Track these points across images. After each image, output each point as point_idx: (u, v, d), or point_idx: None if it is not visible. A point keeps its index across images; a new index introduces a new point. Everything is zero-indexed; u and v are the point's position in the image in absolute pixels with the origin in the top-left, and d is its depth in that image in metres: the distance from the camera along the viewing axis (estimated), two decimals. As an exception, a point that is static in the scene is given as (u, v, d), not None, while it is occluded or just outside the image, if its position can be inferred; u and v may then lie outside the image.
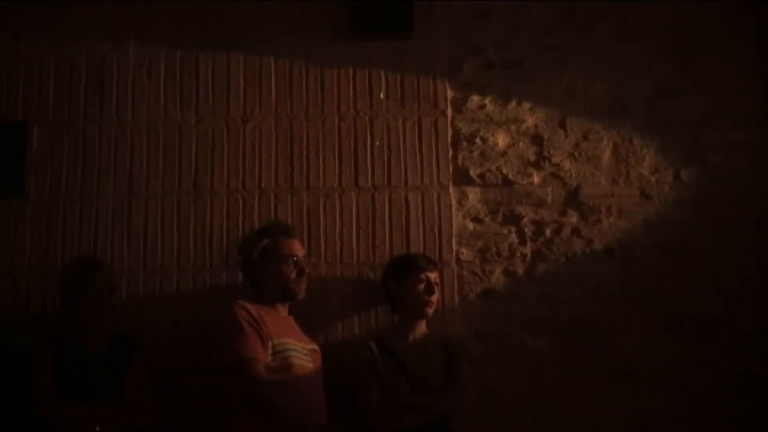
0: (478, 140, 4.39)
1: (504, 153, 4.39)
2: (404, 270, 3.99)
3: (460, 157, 4.37)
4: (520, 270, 4.28)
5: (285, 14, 4.48)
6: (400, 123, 4.37)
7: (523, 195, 4.35)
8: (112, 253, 4.24)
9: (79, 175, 4.34)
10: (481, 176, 4.36)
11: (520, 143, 4.41)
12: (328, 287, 4.20)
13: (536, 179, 4.37)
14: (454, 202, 4.31)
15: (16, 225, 4.28)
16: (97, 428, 3.59)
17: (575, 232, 4.31)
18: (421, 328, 3.99)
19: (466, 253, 4.28)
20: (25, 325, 4.13)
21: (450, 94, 4.43)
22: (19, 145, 4.32)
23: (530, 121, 4.43)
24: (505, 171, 4.37)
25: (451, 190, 4.32)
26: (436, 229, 4.27)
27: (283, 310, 3.90)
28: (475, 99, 4.44)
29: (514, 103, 4.44)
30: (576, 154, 4.39)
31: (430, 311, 3.98)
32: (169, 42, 4.46)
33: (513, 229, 4.32)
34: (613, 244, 4.30)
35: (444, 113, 4.39)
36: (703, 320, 4.19)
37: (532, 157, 4.39)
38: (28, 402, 3.67)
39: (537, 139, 4.41)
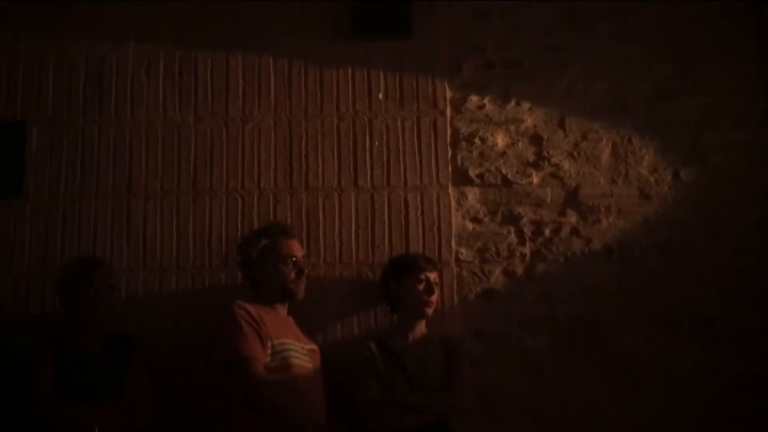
0: (477, 140, 4.39)
1: (503, 153, 4.39)
2: (403, 270, 3.99)
3: (459, 157, 4.37)
4: (520, 270, 4.28)
5: (284, 14, 4.48)
6: (399, 123, 4.37)
7: (522, 195, 4.35)
8: (111, 253, 4.24)
9: (78, 175, 4.34)
10: (480, 176, 4.36)
11: (519, 143, 4.41)
12: (327, 287, 4.20)
13: (535, 179, 4.37)
14: (453, 202, 4.31)
15: (15, 225, 4.28)
16: (96, 429, 3.59)
17: (574, 231, 4.31)
18: (421, 328, 3.99)
19: (465, 253, 4.28)
20: (25, 325, 4.13)
21: (449, 94, 4.43)
22: (18, 145, 4.32)
23: (529, 121, 4.43)
24: (504, 171, 4.37)
25: (450, 190, 4.32)
26: (435, 229, 4.27)
27: (282, 310, 3.90)
28: (474, 99, 4.44)
29: (513, 103, 4.44)
30: (575, 154, 4.39)
31: (430, 311, 3.98)
32: (168, 42, 4.46)
33: (512, 229, 4.32)
34: (612, 243, 4.30)
35: (443, 113, 4.39)
36: (702, 320, 4.20)
37: (531, 157, 4.39)
38: (28, 402, 3.67)
39: (536, 139, 4.41)
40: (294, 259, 3.88)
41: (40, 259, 4.25)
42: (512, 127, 4.42)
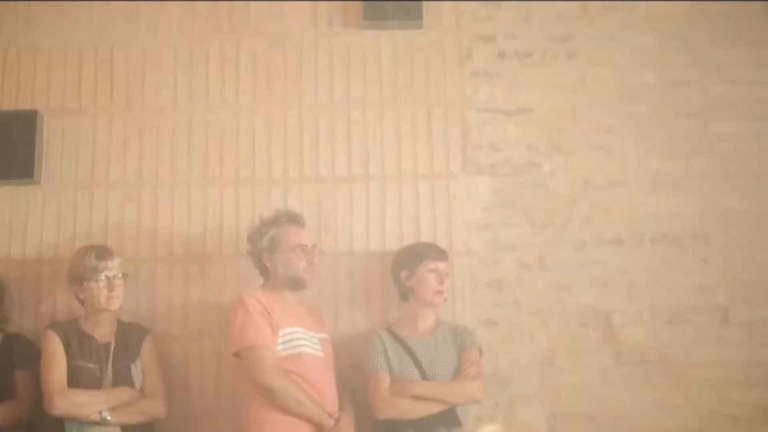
0: (488, 130, 4.38)
1: (514, 142, 4.38)
2: (414, 259, 3.99)
3: (469, 147, 4.37)
4: (530, 259, 4.26)
5: (295, 3, 4.48)
6: (410, 112, 4.37)
7: (532, 184, 4.34)
8: (122, 242, 4.23)
9: (90, 163, 4.33)
10: (491, 166, 4.35)
11: (530, 133, 4.40)
12: (338, 276, 4.20)
13: (546, 169, 4.36)
14: (464, 191, 4.31)
15: (27, 214, 4.27)
16: (108, 417, 3.61)
17: (585, 221, 4.30)
18: (431, 317, 4.00)
19: (476, 243, 4.27)
20: (35, 313, 4.14)
21: (460, 83, 4.42)
22: (30, 134, 4.31)
23: (540, 111, 4.42)
24: (514, 160, 4.36)
25: (461, 179, 4.32)
26: (446, 219, 4.27)
27: (292, 298, 3.90)
28: (484, 88, 4.43)
29: (524, 92, 4.43)
30: (586, 143, 4.38)
31: (440, 300, 3.98)
32: (179, 31, 4.47)
33: (523, 218, 4.30)
34: (623, 233, 4.29)
35: (454, 102, 4.39)
36: (713, 309, 4.20)
37: (542, 147, 4.38)
38: (38, 389, 3.70)
39: (547, 129, 4.40)
40: (304, 247, 3.87)
41: (51, 247, 4.24)
42: (522, 117, 4.41)
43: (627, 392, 4.11)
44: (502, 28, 4.50)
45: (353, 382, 3.91)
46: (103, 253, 3.90)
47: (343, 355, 3.95)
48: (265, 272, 3.92)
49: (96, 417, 3.61)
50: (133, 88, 4.42)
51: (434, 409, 3.75)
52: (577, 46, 4.48)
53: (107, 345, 3.82)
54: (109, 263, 3.85)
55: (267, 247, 3.88)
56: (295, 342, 3.71)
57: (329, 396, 3.72)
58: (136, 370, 3.83)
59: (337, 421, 3.65)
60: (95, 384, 3.71)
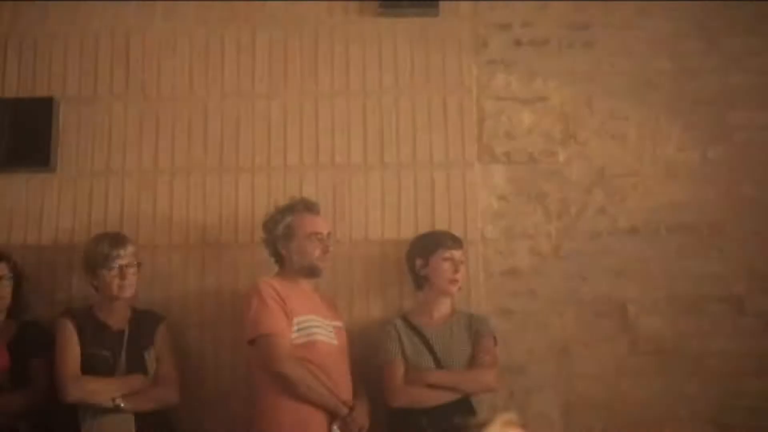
0: (503, 118, 4.37)
1: (529, 131, 4.38)
2: (429, 248, 3.99)
3: (485, 135, 4.36)
4: (546, 248, 4.26)
5: (311, -9, 4.48)
6: (425, 100, 4.36)
7: (548, 173, 4.33)
8: (138, 229, 4.23)
9: (105, 150, 4.33)
10: (507, 154, 4.35)
11: (546, 121, 4.39)
12: (353, 265, 4.20)
13: (562, 157, 4.35)
14: (479, 179, 4.30)
15: (43, 201, 4.28)
16: (122, 404, 3.61)
17: (600, 210, 4.30)
18: (446, 305, 4.00)
19: (491, 231, 4.27)
20: (51, 300, 4.14)
21: (476, 71, 4.41)
22: (46, 121, 4.31)
23: (556, 99, 4.41)
24: (530, 149, 4.36)
25: (476, 167, 4.31)
26: (461, 207, 4.26)
27: (307, 286, 3.90)
28: (500, 76, 4.42)
29: (539, 80, 4.42)
30: (602, 132, 4.37)
31: (455, 289, 3.98)
32: (195, 18, 4.46)
33: (538, 207, 4.30)
34: (638, 222, 4.29)
35: (470, 91, 4.38)
36: (728, 299, 4.19)
37: (558, 136, 4.37)
38: (53, 376, 3.70)
39: (563, 117, 4.39)
40: (319, 235, 3.88)
41: (67, 234, 4.25)
42: (538, 105, 4.41)
43: (642, 381, 4.11)
44: (518, 16, 4.49)
45: (368, 370, 3.91)
46: (116, 241, 3.90)
47: (358, 343, 3.95)
48: (280, 260, 3.92)
49: (109, 404, 3.62)
50: (148, 75, 4.42)
51: (449, 397, 3.76)
52: (593, 35, 4.46)
53: (121, 332, 3.83)
54: (122, 251, 3.85)
55: (282, 235, 3.88)
56: (309, 330, 3.71)
57: (343, 384, 3.73)
58: (149, 357, 3.83)
59: (351, 409, 3.66)
60: (109, 371, 3.72)
